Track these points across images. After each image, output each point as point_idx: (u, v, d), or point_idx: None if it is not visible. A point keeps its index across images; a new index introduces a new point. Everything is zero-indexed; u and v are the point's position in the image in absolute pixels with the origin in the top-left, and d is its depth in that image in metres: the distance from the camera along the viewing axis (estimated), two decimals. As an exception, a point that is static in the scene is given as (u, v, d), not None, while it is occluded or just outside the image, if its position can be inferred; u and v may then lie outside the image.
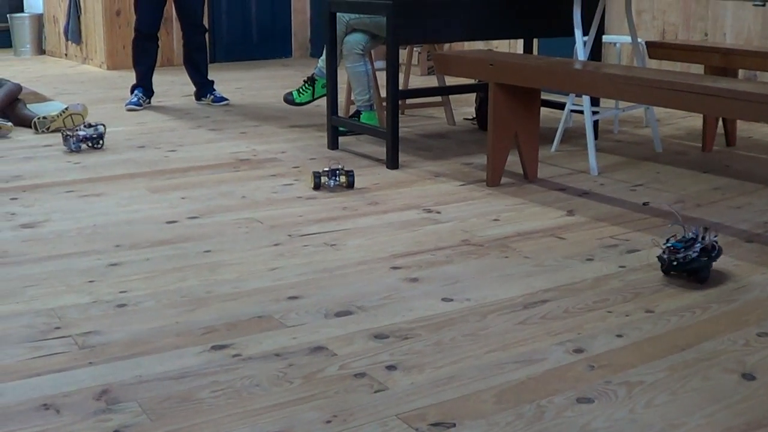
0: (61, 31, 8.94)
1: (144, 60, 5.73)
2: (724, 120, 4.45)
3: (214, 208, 3.35)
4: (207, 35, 5.92)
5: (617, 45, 5.23)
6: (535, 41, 5.72)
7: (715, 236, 2.61)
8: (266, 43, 8.96)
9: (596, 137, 4.40)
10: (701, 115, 4.62)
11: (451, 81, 5.76)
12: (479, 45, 7.13)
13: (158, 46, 5.80)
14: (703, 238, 2.56)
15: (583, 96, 4.05)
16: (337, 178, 3.60)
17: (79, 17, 8.52)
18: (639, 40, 4.62)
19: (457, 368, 2.01)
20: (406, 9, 3.95)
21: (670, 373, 1.98)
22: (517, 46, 6.81)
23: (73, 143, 4.34)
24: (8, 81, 5.18)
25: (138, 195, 3.55)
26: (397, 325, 2.26)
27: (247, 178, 3.85)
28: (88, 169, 4.01)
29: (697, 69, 4.73)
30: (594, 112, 4.23)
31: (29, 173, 3.91)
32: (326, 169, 3.61)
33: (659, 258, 2.58)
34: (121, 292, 2.48)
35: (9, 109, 5.01)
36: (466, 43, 7.13)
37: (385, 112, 4.35)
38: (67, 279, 2.59)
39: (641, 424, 1.75)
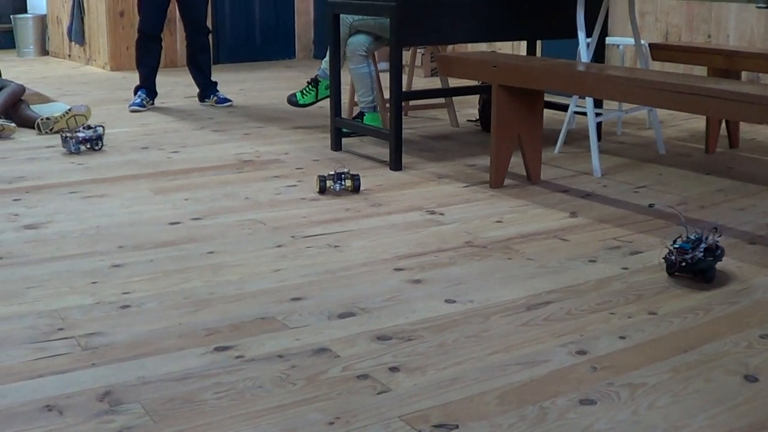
0: (65, 32, 8.95)
1: (147, 61, 5.74)
2: (727, 122, 4.45)
3: (218, 210, 3.35)
4: (210, 36, 5.92)
5: (620, 47, 5.23)
6: (539, 43, 5.71)
7: (719, 236, 2.61)
8: (270, 44, 8.96)
9: (599, 139, 4.40)
10: (704, 117, 4.62)
11: (454, 82, 5.77)
12: (482, 47, 7.13)
13: (161, 47, 5.80)
14: (706, 238, 2.56)
15: (587, 98, 4.05)
16: (343, 182, 3.56)
17: (82, 18, 8.53)
18: (642, 41, 4.61)
19: (460, 370, 2.01)
20: (410, 10, 3.95)
21: (672, 374, 1.98)
22: (521, 47, 6.82)
23: (73, 145, 4.34)
24: (11, 82, 5.19)
25: (141, 196, 3.55)
26: (400, 326, 2.26)
27: (250, 179, 3.85)
28: (91, 170, 4.02)
29: (700, 71, 4.74)
30: (597, 114, 4.23)
31: (32, 174, 3.92)
32: (331, 173, 3.58)
33: (666, 259, 2.58)
34: (124, 293, 2.49)
35: (12, 110, 5.02)
36: (469, 45, 7.13)
37: (388, 114, 4.35)
38: (70, 280, 2.59)
39: (644, 426, 1.75)
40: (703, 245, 2.53)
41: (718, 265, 2.61)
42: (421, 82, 6.96)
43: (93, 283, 2.57)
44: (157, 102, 5.90)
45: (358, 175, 3.60)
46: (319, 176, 3.58)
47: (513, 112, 3.62)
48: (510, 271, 2.68)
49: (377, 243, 2.95)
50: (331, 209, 3.36)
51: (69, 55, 9.00)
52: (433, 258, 2.80)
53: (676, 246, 2.56)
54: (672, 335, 2.20)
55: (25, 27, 9.41)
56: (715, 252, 2.55)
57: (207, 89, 5.94)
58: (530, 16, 4.34)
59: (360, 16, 4.49)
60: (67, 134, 4.36)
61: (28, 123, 4.96)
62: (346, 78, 4.68)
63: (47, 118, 4.88)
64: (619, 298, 2.45)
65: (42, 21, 9.50)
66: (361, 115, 4.66)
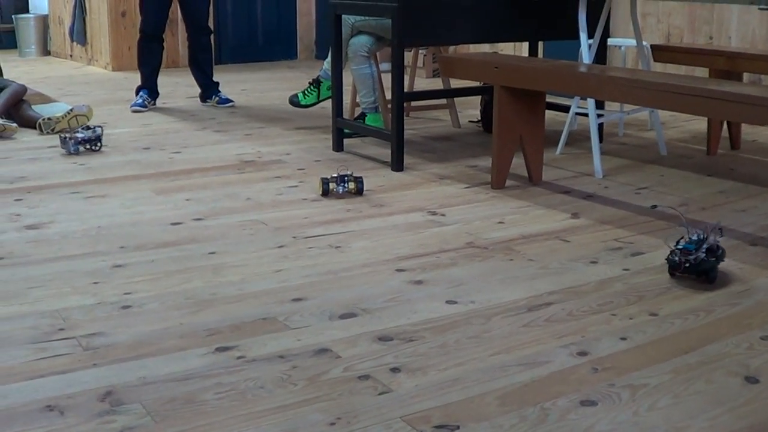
0: (67, 32, 8.96)
1: (149, 61, 5.74)
2: (728, 123, 4.45)
3: (219, 210, 3.36)
4: (212, 37, 5.93)
5: (622, 48, 5.23)
6: (540, 44, 5.71)
7: (721, 236, 2.61)
8: (271, 45, 8.97)
9: (601, 140, 4.40)
10: (706, 119, 4.62)
11: (456, 83, 5.77)
12: (484, 48, 7.13)
13: (163, 48, 5.81)
14: (707, 238, 2.56)
15: (588, 99, 4.05)
16: (346, 185, 3.53)
17: (84, 18, 8.53)
18: (644, 43, 4.61)
19: (461, 370, 2.01)
20: (412, 11, 3.95)
21: (673, 376, 1.98)
22: (522, 48, 6.82)
23: (72, 146, 4.34)
24: (13, 82, 5.19)
25: (143, 196, 3.56)
26: (401, 327, 2.26)
27: (251, 179, 3.85)
28: (92, 170, 4.02)
29: (702, 72, 4.74)
30: (599, 115, 4.23)
31: (34, 174, 3.92)
32: (334, 175, 3.55)
33: (669, 260, 2.58)
34: (125, 293, 2.49)
35: (14, 110, 5.02)
36: (471, 46, 7.13)
37: (390, 115, 4.35)
38: (72, 280, 2.59)
39: (645, 427, 1.75)
40: (705, 245, 2.53)
41: (720, 266, 2.61)
42: (422, 82, 6.96)
43: (94, 283, 2.57)
44: (159, 102, 5.91)
45: (361, 178, 3.57)
46: (322, 179, 3.55)
47: (515, 113, 3.62)
48: (511, 272, 2.68)
49: (378, 244, 2.95)
50: (333, 210, 3.36)
51: (71, 55, 9.01)
52: (435, 259, 2.80)
53: (680, 247, 2.57)
54: (673, 336, 2.20)
55: (26, 27, 9.41)
56: (716, 252, 2.55)
57: (209, 90, 5.94)
58: (532, 17, 4.34)
59: (362, 17, 4.49)
60: (66, 135, 4.36)
61: (29, 123, 4.96)
62: (347, 79, 4.68)
63: (49, 119, 4.89)
64: (620, 299, 2.45)
65: (44, 21, 9.50)
66: (362, 115, 4.67)
